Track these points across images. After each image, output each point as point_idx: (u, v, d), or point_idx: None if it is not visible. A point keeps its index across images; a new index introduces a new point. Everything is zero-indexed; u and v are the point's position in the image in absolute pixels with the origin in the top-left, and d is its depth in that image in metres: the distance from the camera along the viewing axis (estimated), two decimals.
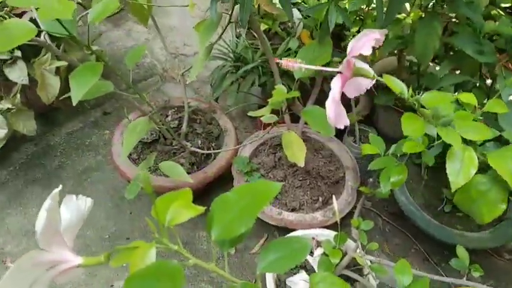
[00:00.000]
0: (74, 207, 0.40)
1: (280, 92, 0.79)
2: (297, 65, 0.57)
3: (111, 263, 0.35)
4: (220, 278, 1.24)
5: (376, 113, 1.54)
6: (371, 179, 0.92)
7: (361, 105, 1.51)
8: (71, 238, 0.39)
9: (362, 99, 1.52)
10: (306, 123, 1.26)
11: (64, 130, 1.66)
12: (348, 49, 0.55)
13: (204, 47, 0.98)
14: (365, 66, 0.56)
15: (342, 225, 1.00)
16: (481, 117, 0.66)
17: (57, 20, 0.64)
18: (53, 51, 1.02)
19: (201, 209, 0.35)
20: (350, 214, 1.23)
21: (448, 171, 0.55)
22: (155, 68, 1.98)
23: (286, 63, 0.58)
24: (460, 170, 0.55)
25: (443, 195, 1.19)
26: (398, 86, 0.57)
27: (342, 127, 0.56)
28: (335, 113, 0.53)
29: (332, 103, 0.53)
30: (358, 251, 0.94)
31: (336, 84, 0.54)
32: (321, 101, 0.65)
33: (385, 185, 0.71)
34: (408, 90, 0.58)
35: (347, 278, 1.08)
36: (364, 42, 0.53)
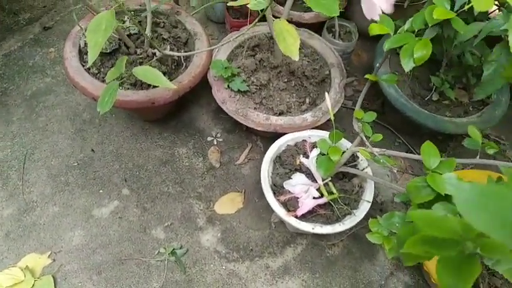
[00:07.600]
0: None
1: None
2: None
3: None
4: (207, 192, 1.18)
5: (352, 5, 1.44)
6: (377, 64, 0.84)
7: None
8: None
9: None
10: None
11: (0, 52, 1.41)
12: None
13: None
14: None
15: (331, 125, 0.94)
16: None
17: None
18: None
19: None
20: (338, 113, 1.18)
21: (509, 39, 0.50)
22: None
23: None
24: None
25: (430, 84, 1.15)
26: None
27: None
28: None
29: None
30: (353, 145, 0.89)
31: None
32: None
33: (407, 62, 0.63)
34: None
35: (342, 175, 1.06)
36: None
